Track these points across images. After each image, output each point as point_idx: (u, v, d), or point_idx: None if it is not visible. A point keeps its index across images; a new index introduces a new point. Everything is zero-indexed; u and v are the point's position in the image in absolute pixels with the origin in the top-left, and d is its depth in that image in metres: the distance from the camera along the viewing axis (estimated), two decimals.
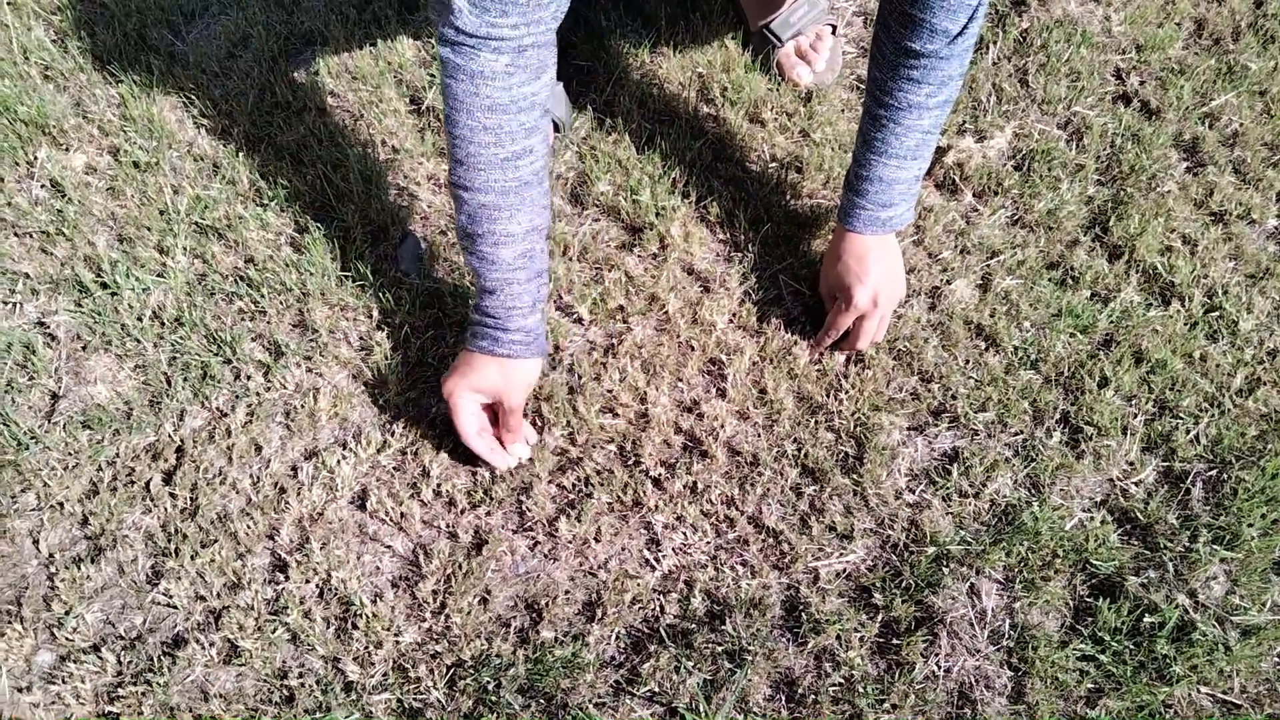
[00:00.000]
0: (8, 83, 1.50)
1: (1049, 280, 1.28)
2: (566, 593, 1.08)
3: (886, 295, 1.17)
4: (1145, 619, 1.03)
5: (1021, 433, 1.17)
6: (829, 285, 1.21)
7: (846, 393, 1.19)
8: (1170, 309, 1.25)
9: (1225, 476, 1.13)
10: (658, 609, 1.07)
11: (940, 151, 1.38)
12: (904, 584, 1.07)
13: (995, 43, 1.50)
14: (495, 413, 1.14)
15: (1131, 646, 1.01)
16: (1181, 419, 1.17)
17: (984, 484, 1.13)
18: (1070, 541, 1.08)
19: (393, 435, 1.18)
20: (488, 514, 1.13)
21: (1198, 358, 1.22)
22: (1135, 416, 1.18)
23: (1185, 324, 1.24)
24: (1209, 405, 1.18)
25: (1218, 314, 1.25)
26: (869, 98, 1.12)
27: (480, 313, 1.09)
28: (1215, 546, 1.07)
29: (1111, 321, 1.25)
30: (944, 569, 1.07)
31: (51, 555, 1.13)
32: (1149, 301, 1.27)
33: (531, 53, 0.99)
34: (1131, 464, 1.15)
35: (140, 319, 1.27)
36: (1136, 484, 1.13)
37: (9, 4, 1.59)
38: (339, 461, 1.16)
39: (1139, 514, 1.11)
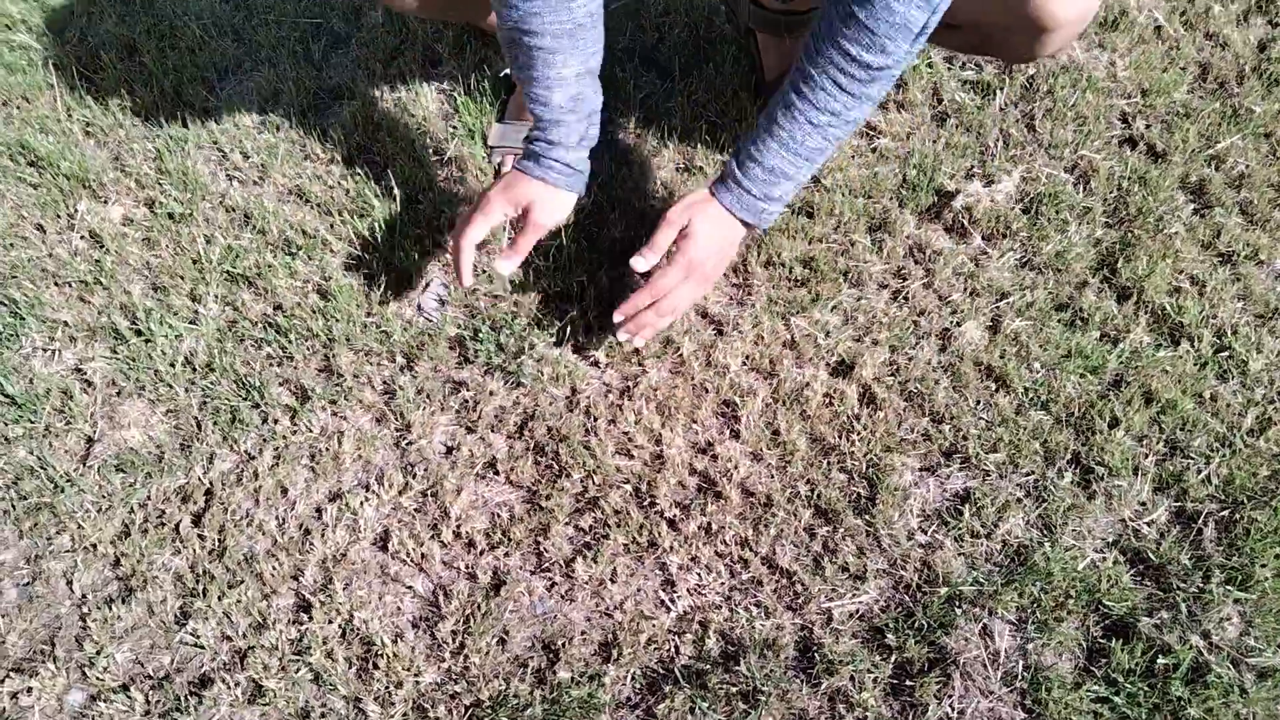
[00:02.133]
0: (51, 139, 1.57)
1: (1058, 321, 1.30)
2: (583, 633, 1.10)
3: (707, 272, 1.14)
4: (1159, 660, 1.03)
5: (1033, 473, 1.18)
6: (670, 221, 1.15)
7: (858, 434, 1.21)
8: (1180, 349, 1.27)
9: (1238, 517, 1.13)
10: (673, 650, 1.08)
11: (948, 195, 1.41)
12: (917, 625, 1.08)
13: (1002, 89, 1.53)
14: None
15: (1146, 688, 1.01)
16: (1193, 459, 1.18)
17: (996, 524, 1.14)
18: (1083, 582, 1.09)
19: (414, 478, 1.21)
20: (506, 555, 1.16)
21: (1208, 398, 1.23)
22: (1146, 457, 1.18)
23: (1195, 364, 1.25)
24: (1220, 445, 1.19)
25: (1227, 354, 1.26)
26: (791, 85, 1.06)
27: (530, 140, 1.16)
28: (1229, 587, 1.08)
29: (1121, 362, 1.26)
30: (957, 610, 1.08)
31: (84, 596, 1.16)
32: (1158, 342, 1.28)
33: None
34: (1143, 504, 1.16)
35: (173, 365, 1.31)
36: (1149, 524, 1.14)
37: (54, 65, 1.67)
38: (362, 503, 1.19)
39: (1151, 554, 1.11)
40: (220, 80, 1.66)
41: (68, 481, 1.23)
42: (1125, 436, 1.19)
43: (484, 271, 1.37)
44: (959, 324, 1.30)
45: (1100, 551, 1.12)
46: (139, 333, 1.35)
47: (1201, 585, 1.08)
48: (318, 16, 1.74)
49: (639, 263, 1.12)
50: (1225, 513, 1.14)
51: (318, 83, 1.63)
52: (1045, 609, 1.07)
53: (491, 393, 1.27)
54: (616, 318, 1.16)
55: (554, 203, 1.17)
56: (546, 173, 1.15)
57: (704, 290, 1.17)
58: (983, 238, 1.39)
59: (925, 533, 1.15)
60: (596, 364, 1.30)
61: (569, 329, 1.30)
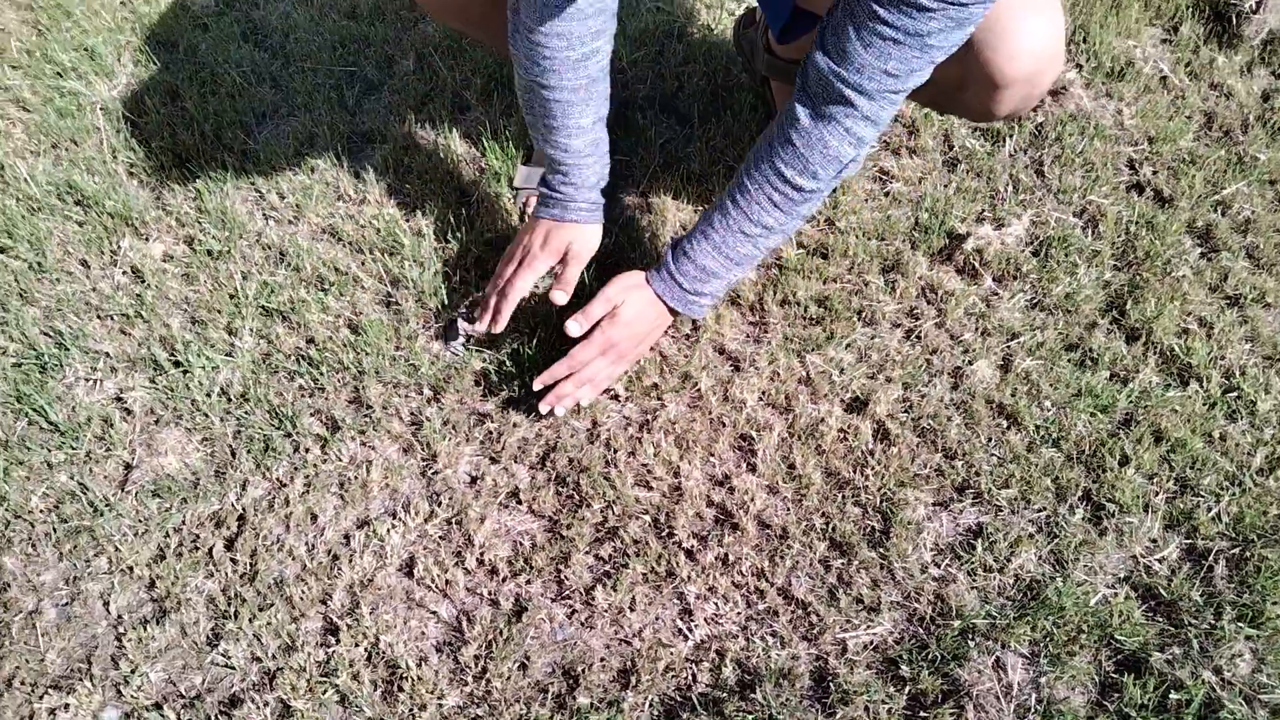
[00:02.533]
0: (97, 179, 1.64)
1: (1068, 361, 1.33)
2: (602, 660, 1.13)
3: (623, 351, 1.23)
4: (1171, 695, 1.04)
5: (1044, 509, 1.21)
6: (606, 296, 1.22)
7: (872, 469, 1.24)
8: (1189, 389, 1.29)
9: (1248, 555, 1.15)
10: (690, 678, 1.11)
11: (960, 238, 1.45)
12: (930, 656, 1.10)
13: (1011, 136, 1.58)
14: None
15: None
16: (1203, 497, 1.20)
17: (1008, 559, 1.16)
18: (1095, 617, 1.11)
19: (440, 506, 1.25)
20: (528, 582, 1.19)
21: (1217, 437, 1.25)
22: (1157, 494, 1.21)
23: (1204, 404, 1.28)
24: (1230, 484, 1.21)
25: (1236, 394, 1.29)
26: (729, 192, 1.14)
27: (550, 188, 1.26)
28: (1240, 624, 1.09)
29: (1131, 401, 1.29)
30: (970, 642, 1.10)
31: (120, 616, 1.20)
32: (1167, 382, 1.31)
33: None
34: (1154, 541, 1.18)
35: (209, 395, 1.36)
36: (1159, 561, 1.16)
37: (101, 109, 1.75)
38: (389, 530, 1.23)
39: (1163, 591, 1.13)
40: (258, 124, 1.74)
41: (106, 506, 1.28)
42: (1136, 474, 1.22)
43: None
44: (971, 362, 1.34)
45: (1112, 587, 1.14)
46: (177, 364, 1.40)
47: (1213, 622, 1.10)
48: (352, 64, 1.82)
49: (572, 328, 1.21)
50: (1236, 550, 1.16)
51: (351, 127, 1.70)
52: (1058, 643, 1.09)
53: (515, 425, 1.31)
54: (536, 385, 1.24)
55: (588, 238, 1.29)
56: (576, 215, 1.25)
57: (621, 368, 1.27)
58: (993, 279, 1.43)
59: (938, 566, 1.17)
60: (616, 397, 1.34)
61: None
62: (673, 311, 1.23)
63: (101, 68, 1.84)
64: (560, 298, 1.26)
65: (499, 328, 1.28)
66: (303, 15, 1.91)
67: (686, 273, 1.18)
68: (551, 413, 1.25)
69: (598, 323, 1.21)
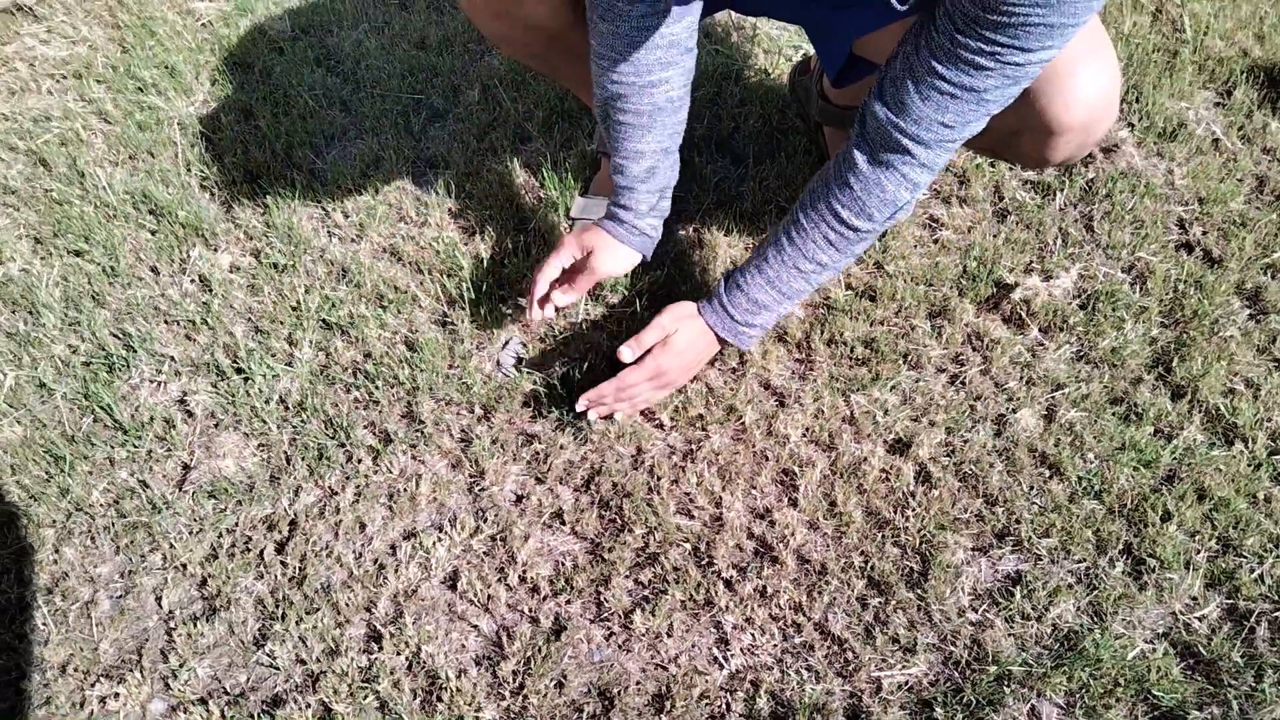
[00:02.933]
0: (171, 191, 1.71)
1: (1113, 415, 1.34)
2: (638, 684, 1.14)
3: (670, 379, 1.27)
4: None
5: (1084, 560, 1.21)
6: (660, 324, 1.25)
7: (913, 510, 1.25)
8: (1233, 450, 1.29)
9: None
10: (724, 706, 1.12)
11: (1007, 287, 1.47)
12: (965, 700, 1.10)
13: (1062, 190, 1.60)
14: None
15: None
16: (1245, 558, 1.20)
17: (1047, 608, 1.17)
18: (1132, 671, 1.10)
19: (485, 522, 1.28)
20: (568, 602, 1.21)
21: (1261, 499, 1.25)
22: (1198, 552, 1.21)
23: (1249, 465, 1.28)
24: (1274, 546, 1.21)
25: None
26: (785, 228, 1.17)
27: (612, 203, 1.29)
28: None
29: (1175, 458, 1.29)
30: (1005, 689, 1.10)
31: (171, 612, 1.23)
32: (1212, 441, 1.31)
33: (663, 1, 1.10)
34: (1194, 599, 1.17)
35: (268, 402, 1.41)
36: (1200, 619, 1.16)
37: (178, 124, 1.83)
38: (434, 543, 1.26)
39: (1202, 649, 1.13)
40: (327, 146, 1.80)
41: (164, 504, 1.32)
42: (1177, 531, 1.22)
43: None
44: (1014, 411, 1.35)
45: (1150, 642, 1.14)
46: (239, 370, 1.45)
47: (1254, 684, 1.09)
48: (419, 93, 1.88)
49: (626, 353, 1.24)
50: (1279, 614, 1.15)
51: (416, 152, 1.76)
52: (1094, 695, 1.09)
53: (561, 447, 1.34)
54: (580, 405, 1.28)
55: (614, 254, 1.29)
56: (616, 228, 1.28)
57: (663, 395, 1.31)
58: (1040, 330, 1.44)
59: (976, 611, 1.18)
60: (661, 426, 1.36)
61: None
62: (722, 341, 1.26)
63: (181, 85, 1.93)
64: (561, 299, 1.29)
65: (533, 315, 1.30)
66: (374, 43, 1.99)
67: (738, 304, 1.21)
68: (587, 423, 1.31)
69: (649, 349, 1.24)
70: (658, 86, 1.18)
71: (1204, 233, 1.54)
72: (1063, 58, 1.02)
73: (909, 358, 1.41)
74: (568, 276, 1.30)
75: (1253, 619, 1.15)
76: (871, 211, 1.10)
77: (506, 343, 1.46)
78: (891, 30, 1.19)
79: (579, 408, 1.29)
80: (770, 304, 1.20)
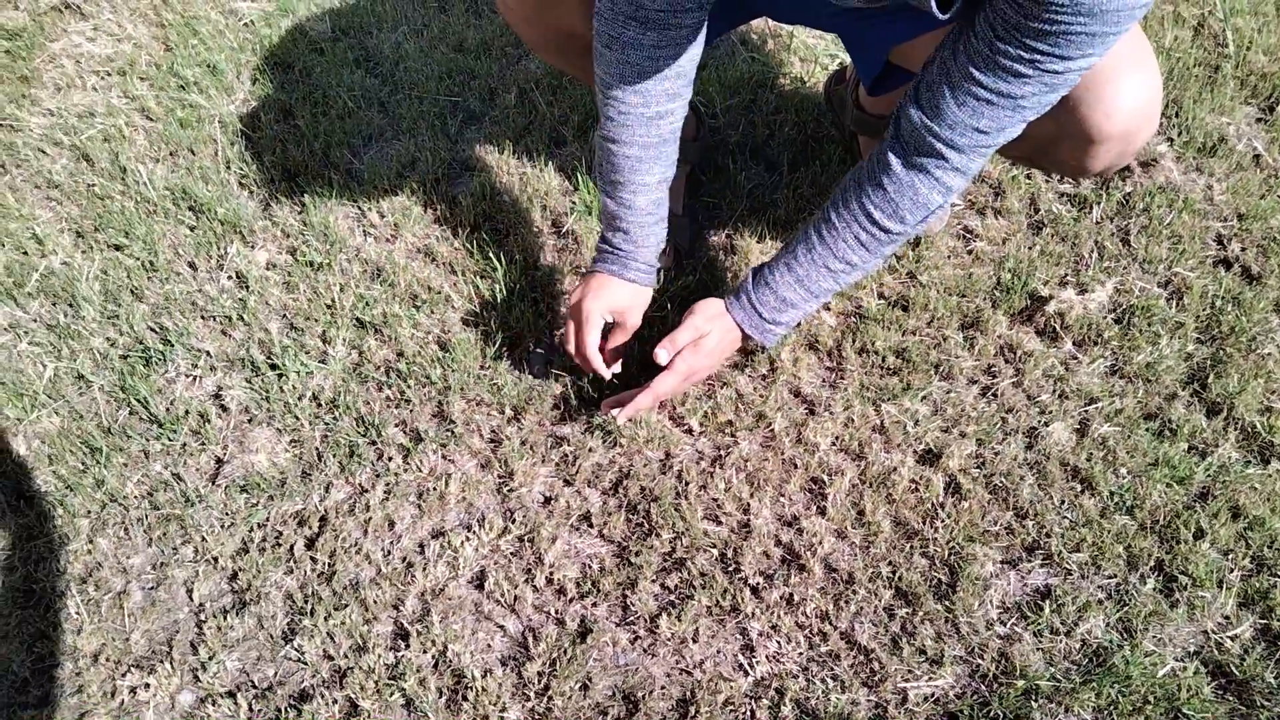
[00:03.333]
0: (210, 188, 1.74)
1: (1146, 430, 1.32)
2: (663, 688, 1.14)
3: (699, 378, 1.29)
4: None
5: (1115, 576, 1.20)
6: (694, 325, 1.25)
7: (942, 521, 1.25)
8: (1269, 468, 1.28)
9: None
10: (749, 713, 1.12)
11: (1042, 300, 1.46)
12: (992, 714, 1.09)
13: (1099, 203, 1.59)
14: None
15: None
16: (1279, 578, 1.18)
17: (1076, 623, 1.16)
18: (1162, 689, 1.09)
19: (513, 523, 1.28)
20: (594, 605, 1.21)
21: None
22: (1232, 571, 1.19)
23: None
24: None
25: None
26: (816, 226, 1.17)
27: (610, 245, 1.27)
28: None
29: (1209, 475, 1.27)
30: (1033, 703, 1.09)
31: (202, 604, 1.25)
32: (1247, 459, 1.29)
33: (676, 30, 1.10)
34: (1227, 618, 1.16)
35: (301, 399, 1.43)
36: (1232, 639, 1.14)
37: (219, 122, 1.86)
38: (462, 543, 1.27)
39: (1235, 669, 1.11)
40: (364, 146, 1.83)
41: (197, 497, 1.34)
42: (1210, 549, 1.20)
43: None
44: (1047, 424, 1.34)
45: (1181, 660, 1.13)
46: (273, 367, 1.47)
47: None
48: (456, 95, 1.90)
49: (662, 355, 1.25)
50: None
51: (452, 154, 1.78)
52: (1123, 712, 1.08)
53: (590, 450, 1.34)
54: (621, 419, 1.29)
55: (642, 302, 1.30)
56: (637, 276, 1.28)
57: (685, 388, 1.33)
58: (1074, 343, 1.43)
59: (1004, 624, 1.17)
60: (690, 431, 1.37)
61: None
62: (745, 337, 1.26)
63: (222, 84, 1.96)
64: (609, 372, 1.31)
65: (608, 375, 1.31)
66: (413, 46, 2.01)
67: (766, 302, 1.21)
68: (615, 425, 1.32)
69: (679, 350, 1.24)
70: (664, 118, 1.18)
71: (1243, 249, 1.52)
72: (1104, 66, 1.02)
73: (940, 368, 1.41)
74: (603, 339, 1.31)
75: None
76: (904, 214, 1.09)
77: (537, 345, 1.47)
78: (928, 39, 1.19)
79: (620, 420, 1.29)
80: (798, 302, 1.20)
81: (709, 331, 1.23)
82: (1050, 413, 1.35)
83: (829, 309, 1.49)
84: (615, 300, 1.27)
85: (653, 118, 1.17)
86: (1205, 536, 1.21)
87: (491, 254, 1.57)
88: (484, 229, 1.63)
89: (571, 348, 1.30)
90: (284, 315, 1.55)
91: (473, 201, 1.66)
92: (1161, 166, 1.63)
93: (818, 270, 1.17)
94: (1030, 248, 1.54)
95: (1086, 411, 1.35)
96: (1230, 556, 1.20)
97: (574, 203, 1.66)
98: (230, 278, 1.61)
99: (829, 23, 1.31)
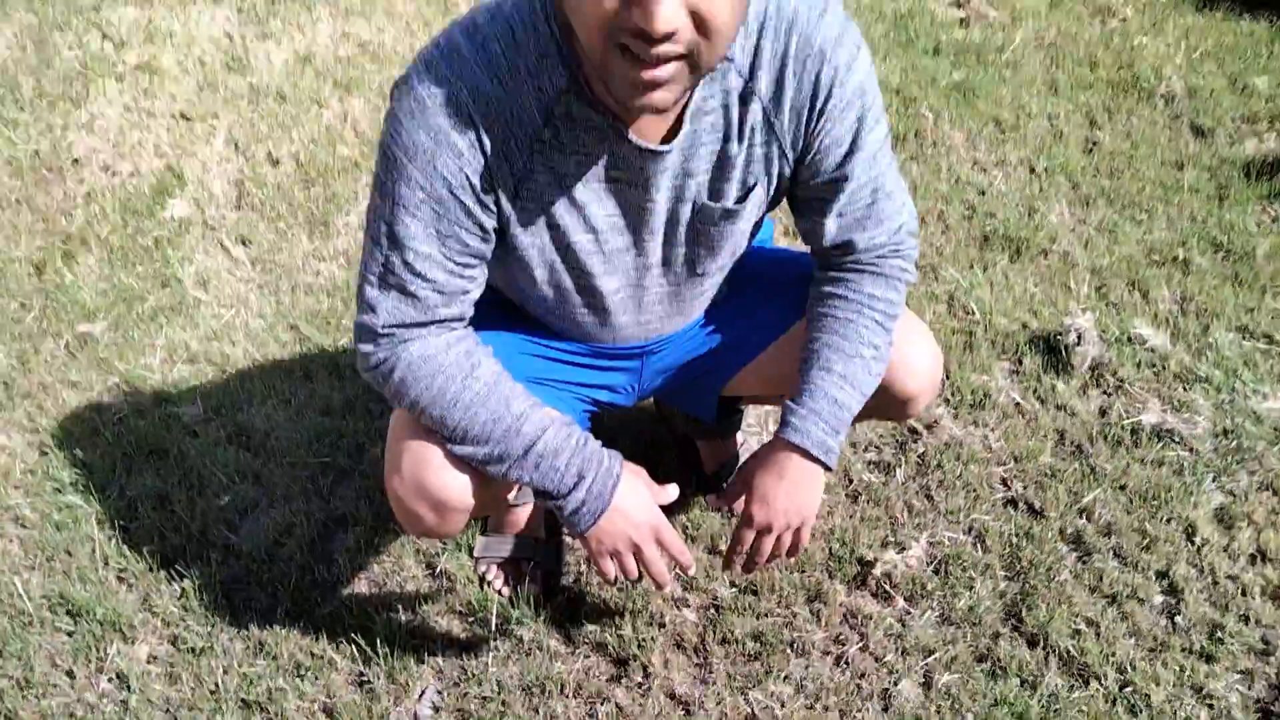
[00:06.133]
0: (89, 588, 1.79)
1: (981, 672, 1.48)
2: None
3: (790, 518, 1.26)
4: None
5: None
6: (743, 487, 1.29)
7: None
8: (1090, 688, 1.44)
9: None
10: None
11: (869, 564, 1.65)
12: None
13: (901, 465, 1.84)
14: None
15: None
16: None
17: None
18: None
19: None
20: None
21: None
22: None
23: (1105, 702, 1.42)
24: None
25: (1131, 689, 1.43)
26: (829, 340, 1.22)
27: (572, 507, 1.15)
28: None
29: (1043, 705, 1.42)
30: None
31: None
32: (1071, 684, 1.46)
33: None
34: None
35: None
36: None
37: (95, 519, 1.94)
38: None
39: None
40: (241, 519, 1.93)
41: None
42: None
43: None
44: (896, 683, 1.48)
45: None
46: None
47: None
48: (326, 455, 2.06)
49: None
50: None
51: (326, 513, 1.91)
52: None
53: None
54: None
55: (649, 498, 1.23)
56: (614, 479, 1.17)
57: (799, 522, 1.28)
58: (904, 599, 1.61)
59: None
60: None
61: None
62: (812, 459, 1.21)
63: (98, 480, 2.06)
64: (693, 568, 1.28)
65: (691, 570, 1.28)
66: (283, 415, 2.19)
67: (826, 416, 1.20)
68: None
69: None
70: (480, 365, 1.14)
71: (1024, 487, 1.78)
72: (899, 341, 1.27)
73: (795, 645, 1.55)
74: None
75: None
76: (895, 283, 1.25)
77: (423, 693, 1.53)
78: (751, 368, 1.40)
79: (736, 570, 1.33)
80: (849, 402, 1.21)
81: (779, 492, 1.23)
82: (897, 671, 1.49)
83: (689, 605, 1.63)
84: (634, 529, 1.19)
85: (474, 365, 1.13)
86: None
87: (370, 607, 1.66)
88: (360, 582, 1.72)
89: (659, 568, 1.23)
90: (167, 709, 1.56)
91: (349, 557, 1.77)
92: (943, 425, 1.92)
93: (853, 363, 1.20)
94: (851, 516, 1.75)
95: (927, 664, 1.50)
96: None
97: (445, 544, 1.79)
98: (110, 680, 1.63)
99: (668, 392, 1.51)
